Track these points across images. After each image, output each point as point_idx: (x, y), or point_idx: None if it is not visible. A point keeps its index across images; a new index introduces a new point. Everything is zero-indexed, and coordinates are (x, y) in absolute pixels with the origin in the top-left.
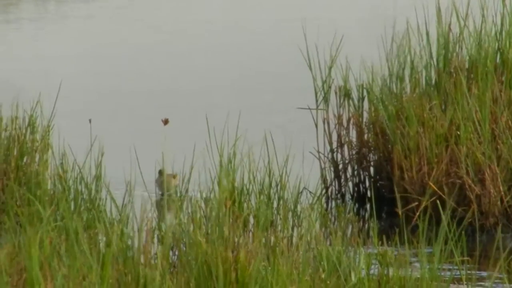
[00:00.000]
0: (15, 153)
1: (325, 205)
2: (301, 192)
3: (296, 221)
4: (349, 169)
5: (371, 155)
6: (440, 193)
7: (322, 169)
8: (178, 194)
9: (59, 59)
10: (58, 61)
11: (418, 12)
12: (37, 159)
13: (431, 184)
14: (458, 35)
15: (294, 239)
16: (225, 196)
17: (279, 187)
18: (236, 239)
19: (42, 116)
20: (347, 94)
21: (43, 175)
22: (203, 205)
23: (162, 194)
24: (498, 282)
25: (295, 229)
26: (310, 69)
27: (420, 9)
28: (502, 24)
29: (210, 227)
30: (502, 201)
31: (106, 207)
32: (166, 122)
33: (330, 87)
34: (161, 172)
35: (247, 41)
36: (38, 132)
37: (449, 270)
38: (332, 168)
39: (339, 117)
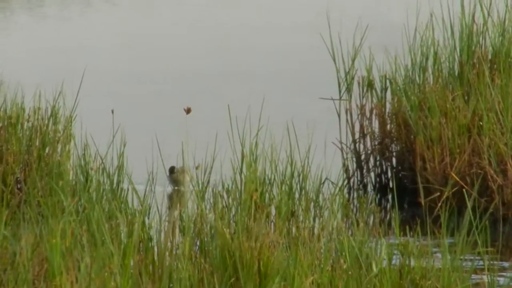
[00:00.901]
0: (37, 143)
1: (347, 196)
2: (323, 182)
3: (318, 211)
4: (371, 160)
5: (393, 145)
6: (462, 184)
7: (344, 160)
8: (192, 188)
9: (82, 48)
10: (81, 51)
11: (442, 2)
12: (59, 149)
13: (453, 174)
14: (481, 25)
15: (316, 230)
16: (251, 187)
17: (301, 177)
18: (258, 230)
19: (65, 106)
20: (370, 85)
21: (65, 165)
22: (225, 195)
23: (175, 190)
24: None
25: (317, 219)
26: (334, 59)
27: None
28: None
29: (233, 217)
30: None
31: (128, 197)
32: (188, 111)
33: (353, 77)
34: (172, 170)
35: (271, 31)
36: (60, 122)
37: (471, 260)
38: (354, 159)
39: (362, 108)
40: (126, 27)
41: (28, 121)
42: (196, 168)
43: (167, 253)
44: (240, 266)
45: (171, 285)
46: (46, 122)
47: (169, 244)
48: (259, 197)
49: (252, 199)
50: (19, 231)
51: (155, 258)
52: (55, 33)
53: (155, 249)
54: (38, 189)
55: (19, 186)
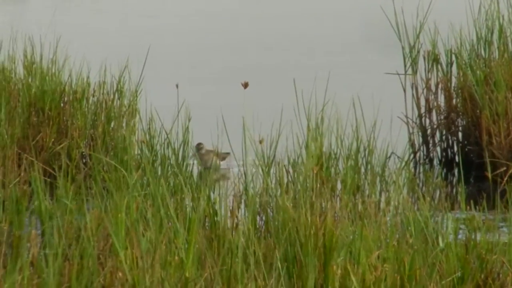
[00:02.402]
0: (102, 118)
1: (412, 170)
2: (389, 157)
3: (383, 186)
4: (437, 134)
5: (459, 120)
6: None
7: (410, 134)
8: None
9: (147, 24)
10: (147, 24)
11: None
12: (124, 124)
13: None
14: None
15: (382, 204)
16: (312, 161)
17: (366, 152)
18: (323, 204)
19: (130, 81)
20: (435, 59)
21: (130, 140)
22: (290, 170)
23: (204, 168)
24: None
25: (383, 194)
26: (399, 35)
27: None
28: None
29: (297, 192)
30: None
31: (193, 172)
32: (246, 85)
33: (418, 52)
34: (199, 147)
35: (335, 6)
36: (125, 97)
37: None
38: (420, 133)
39: (427, 82)
40: (191, 4)
41: (93, 96)
42: (260, 142)
43: (231, 229)
44: (304, 241)
45: (236, 260)
46: (111, 96)
47: (234, 219)
48: (324, 171)
49: (314, 172)
50: (84, 206)
51: (219, 233)
52: (121, 10)
53: (220, 224)
54: (103, 164)
55: (84, 161)
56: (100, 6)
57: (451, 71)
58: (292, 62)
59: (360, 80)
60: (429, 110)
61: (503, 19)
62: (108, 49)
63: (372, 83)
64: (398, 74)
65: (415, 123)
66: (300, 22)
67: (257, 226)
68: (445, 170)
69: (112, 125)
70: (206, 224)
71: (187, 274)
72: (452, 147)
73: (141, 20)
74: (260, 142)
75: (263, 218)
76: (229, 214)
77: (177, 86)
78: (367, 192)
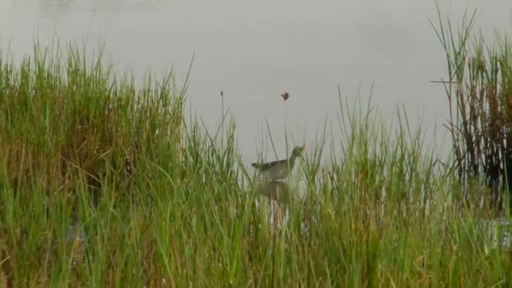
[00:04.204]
0: (147, 125)
1: (457, 177)
2: (434, 164)
3: (428, 193)
4: (482, 141)
5: (504, 127)
6: None
7: (454, 141)
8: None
9: (191, 33)
10: (191, 35)
11: None
12: (168, 131)
13: None
14: None
15: (426, 211)
16: (355, 167)
17: (411, 159)
18: (367, 211)
19: (175, 88)
20: (480, 66)
21: (174, 147)
22: (335, 177)
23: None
24: None
25: (427, 201)
26: (443, 42)
27: None
28: None
29: (341, 198)
30: None
31: (238, 179)
32: (286, 96)
33: (463, 59)
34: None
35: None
36: (170, 104)
37: None
38: (465, 140)
39: (472, 89)
40: (234, 14)
41: (138, 103)
42: (301, 149)
43: (274, 236)
44: (347, 248)
45: (278, 268)
46: (156, 104)
47: (278, 226)
48: (369, 178)
49: (358, 179)
50: (129, 213)
51: (263, 240)
52: (165, 17)
53: (264, 231)
54: (147, 171)
55: (128, 168)
56: (143, 12)
57: (496, 78)
58: (335, 71)
59: (404, 88)
60: (474, 117)
61: None
62: (152, 55)
63: (417, 91)
64: (443, 82)
65: (460, 130)
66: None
67: (301, 233)
68: (489, 177)
69: (156, 132)
70: (250, 231)
71: (230, 282)
72: (497, 154)
73: (187, 25)
74: (301, 149)
75: (307, 225)
76: (272, 221)
77: (221, 93)
78: (411, 199)
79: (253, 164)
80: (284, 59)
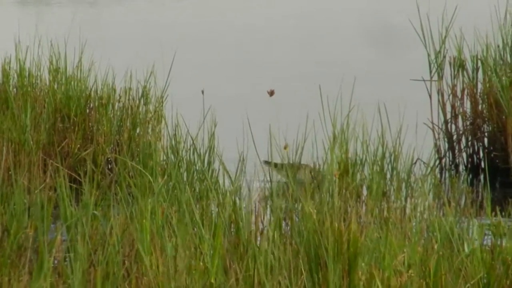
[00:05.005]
0: (128, 124)
1: (438, 176)
2: (415, 162)
3: (409, 191)
4: (463, 140)
5: (485, 126)
6: None
7: (435, 140)
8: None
9: (173, 31)
10: (173, 34)
11: None
12: (150, 130)
13: None
14: None
15: (407, 210)
16: (334, 166)
17: (392, 158)
18: (348, 209)
19: (156, 86)
20: (461, 65)
21: (155, 145)
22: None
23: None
24: None
25: (408, 199)
26: (424, 41)
27: None
28: None
29: (321, 197)
30: None
31: (219, 177)
32: (272, 93)
33: (444, 57)
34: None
35: (359, 13)
36: (151, 103)
37: None
38: (445, 139)
39: (453, 88)
40: (219, 15)
41: (119, 102)
42: (284, 148)
43: (256, 234)
44: (329, 247)
45: (259, 266)
46: (137, 102)
47: (259, 224)
48: (350, 177)
49: (336, 177)
50: (110, 212)
51: (244, 239)
52: (147, 17)
53: (245, 230)
54: (128, 169)
55: (109, 166)
56: (124, 11)
57: (477, 77)
58: (317, 70)
59: (385, 87)
60: (454, 116)
61: None
62: (133, 54)
63: (397, 89)
64: (424, 80)
65: (441, 129)
66: (331, 28)
67: (282, 232)
68: (470, 176)
69: (137, 131)
70: (232, 230)
71: (212, 280)
72: (478, 153)
73: (164, 26)
74: (285, 147)
75: (289, 223)
76: (254, 219)
77: (202, 92)
78: (392, 198)
79: (266, 162)
80: (268, 56)
